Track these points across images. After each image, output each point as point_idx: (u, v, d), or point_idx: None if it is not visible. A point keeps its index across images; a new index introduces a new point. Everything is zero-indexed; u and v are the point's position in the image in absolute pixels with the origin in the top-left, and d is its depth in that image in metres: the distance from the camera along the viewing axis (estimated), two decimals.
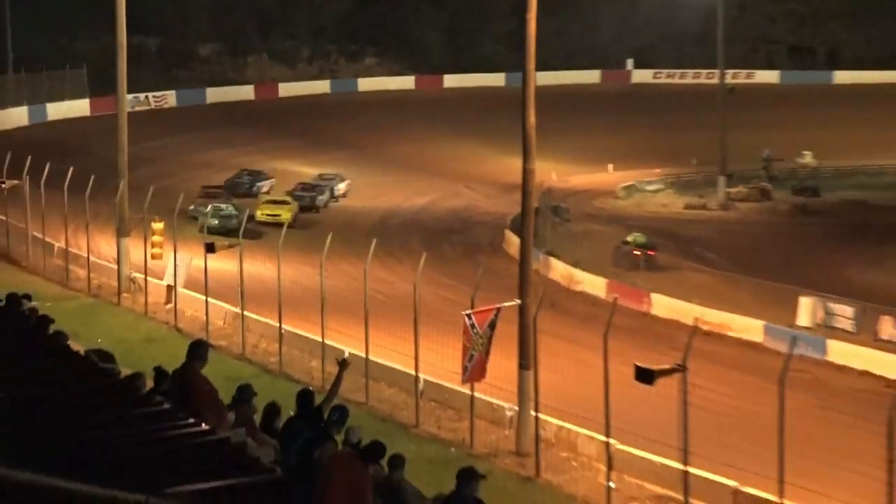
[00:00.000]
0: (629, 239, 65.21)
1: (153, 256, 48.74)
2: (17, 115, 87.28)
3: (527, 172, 35.86)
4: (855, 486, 27.22)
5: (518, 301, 34.85)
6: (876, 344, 47.79)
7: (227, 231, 53.94)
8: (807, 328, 50.11)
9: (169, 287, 45.95)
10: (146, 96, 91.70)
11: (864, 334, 49.36)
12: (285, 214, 61.02)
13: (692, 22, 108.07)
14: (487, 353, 33.33)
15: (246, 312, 42.27)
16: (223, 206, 61.37)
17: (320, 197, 72.78)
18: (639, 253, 63.45)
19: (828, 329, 50.48)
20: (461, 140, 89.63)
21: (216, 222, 55.87)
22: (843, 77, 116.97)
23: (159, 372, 18.50)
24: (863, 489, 26.62)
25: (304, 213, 68.52)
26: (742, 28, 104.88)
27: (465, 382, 33.96)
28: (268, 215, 62.71)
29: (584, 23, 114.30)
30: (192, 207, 55.28)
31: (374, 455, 17.23)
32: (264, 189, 74.12)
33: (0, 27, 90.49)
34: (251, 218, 56.19)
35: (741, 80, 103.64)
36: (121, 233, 48.55)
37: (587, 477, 31.63)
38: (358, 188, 78.95)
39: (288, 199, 68.30)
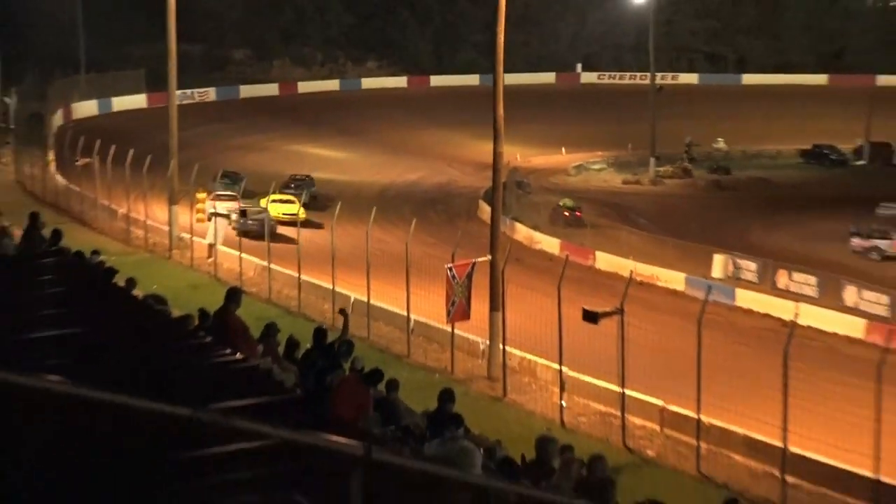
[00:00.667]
0: (561, 203, 66.91)
1: (198, 220, 48.85)
2: (88, 107, 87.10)
3: (496, 154, 35.99)
4: (757, 404, 27.30)
5: (489, 257, 35.02)
6: (774, 292, 48.04)
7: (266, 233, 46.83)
8: (719, 279, 50.26)
9: (210, 245, 46.01)
10: (191, 92, 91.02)
11: (765, 284, 49.58)
12: (301, 213, 51.40)
13: (629, 34, 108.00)
14: (469, 300, 33.62)
15: (272, 265, 42.34)
16: (254, 209, 52.83)
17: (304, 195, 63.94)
18: (567, 213, 65.27)
19: (736, 280, 50.68)
20: (444, 128, 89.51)
21: (255, 227, 49.05)
22: (749, 79, 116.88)
23: (203, 312, 18.48)
24: (763, 407, 26.71)
25: None
26: (669, 39, 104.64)
27: (449, 322, 34.20)
28: (284, 214, 53.80)
29: (543, 35, 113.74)
30: (212, 210, 49.65)
31: (374, 379, 17.25)
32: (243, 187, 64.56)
33: (74, 37, 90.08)
34: None
35: (668, 81, 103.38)
36: (171, 201, 48.53)
37: (544, 397, 31.73)
38: (361, 167, 78.81)
39: (293, 197, 57.19)
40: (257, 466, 6.78)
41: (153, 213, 49.65)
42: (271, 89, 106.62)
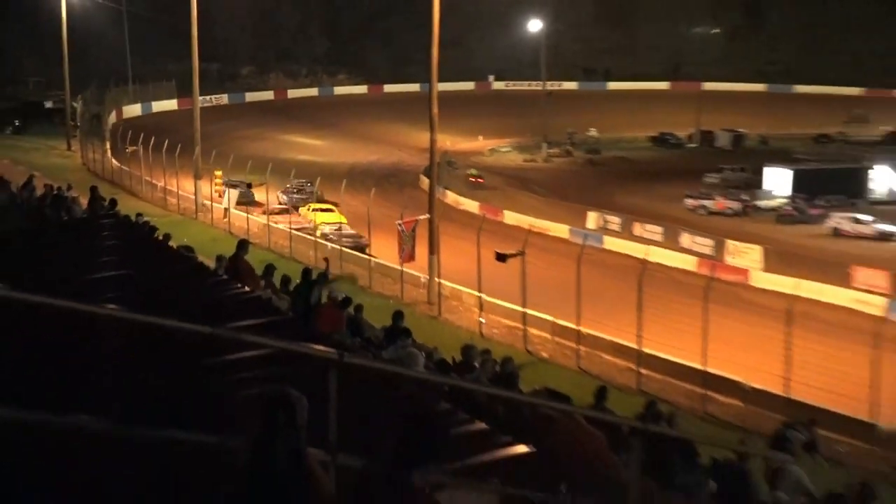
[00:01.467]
0: (468, 172, 69.10)
1: (216, 191, 48.47)
2: (134, 110, 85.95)
3: (432, 141, 36.04)
4: (620, 318, 27.61)
5: (428, 215, 35.01)
6: (632, 238, 48.38)
7: (360, 247, 39.61)
8: (593, 230, 50.51)
9: (225, 209, 45.80)
10: (210, 98, 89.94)
11: (625, 232, 49.94)
12: (344, 220, 44.11)
13: (528, 53, 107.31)
14: (414, 247, 33.83)
15: (270, 223, 42.16)
16: (335, 225, 42.37)
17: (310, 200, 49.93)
18: (473, 179, 66.94)
19: (605, 230, 50.98)
20: (394, 122, 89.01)
21: (348, 243, 39.70)
22: (613, 86, 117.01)
23: (220, 257, 18.37)
24: (623, 320, 27.04)
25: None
26: (556, 57, 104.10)
27: (400, 263, 34.41)
28: (326, 223, 43.48)
29: (465, 54, 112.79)
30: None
31: (346, 304, 17.26)
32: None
33: (123, 58, 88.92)
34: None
35: (555, 88, 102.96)
36: (196, 177, 48.15)
37: (468, 316, 31.89)
38: (334, 151, 78.48)
39: (332, 206, 46.94)
40: (260, 368, 6.78)
41: (183, 186, 49.18)
42: (268, 95, 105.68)
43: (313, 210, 46.36)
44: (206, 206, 47.41)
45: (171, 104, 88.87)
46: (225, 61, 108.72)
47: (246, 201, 46.79)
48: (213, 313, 9.18)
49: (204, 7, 50.75)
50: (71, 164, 60.30)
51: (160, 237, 18.59)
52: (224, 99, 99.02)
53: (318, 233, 41.00)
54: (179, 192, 48.76)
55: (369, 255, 37.52)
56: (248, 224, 42.79)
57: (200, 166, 48.45)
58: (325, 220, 44.37)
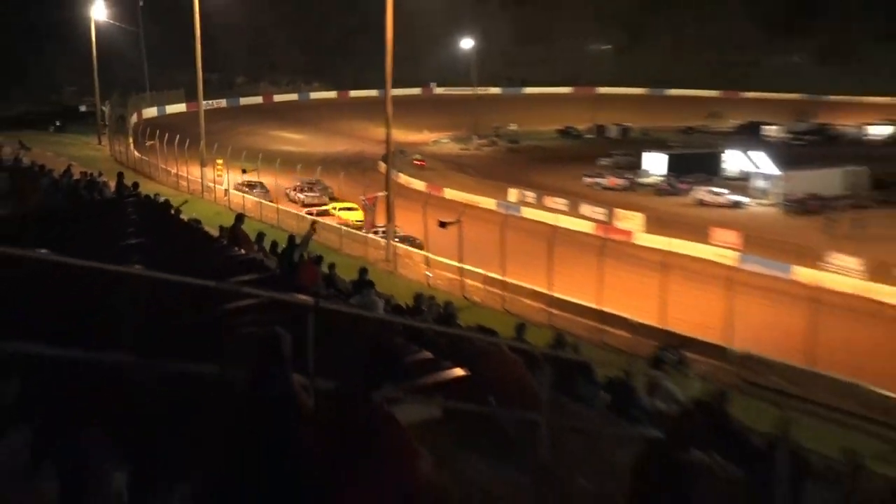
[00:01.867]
0: (413, 156, 69.60)
1: (218, 175, 47.85)
2: (151, 112, 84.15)
3: (388, 135, 35.77)
4: (535, 271, 27.80)
5: (386, 192, 34.89)
6: (544, 209, 48.65)
7: (418, 247, 33.44)
8: (514, 202, 50.72)
9: (225, 190, 45.23)
10: (212, 102, 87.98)
11: (540, 204, 50.16)
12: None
13: (462, 65, 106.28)
14: (375, 217, 33.64)
15: (262, 201, 41.75)
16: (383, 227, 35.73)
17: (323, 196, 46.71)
18: (416, 162, 67.20)
19: (523, 202, 51.17)
20: (358, 120, 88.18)
21: (409, 243, 34.08)
22: (528, 91, 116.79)
23: (222, 228, 18.17)
24: (539, 271, 27.22)
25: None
26: (484, 68, 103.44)
27: (364, 230, 34.19)
28: (355, 221, 39.50)
29: (413, 64, 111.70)
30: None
31: (320, 262, 17.17)
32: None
33: (142, 69, 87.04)
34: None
35: (484, 92, 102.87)
36: (202, 164, 47.42)
37: (418, 271, 31.90)
38: (311, 143, 77.98)
39: (354, 205, 42.04)
40: (255, 314, 6.76)
41: (191, 172, 48.43)
42: (258, 100, 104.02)
43: (339, 209, 41.82)
44: (209, 187, 46.83)
45: (180, 107, 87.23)
46: (224, 72, 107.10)
47: (266, 199, 43.45)
48: (216, 271, 9.10)
49: (206, 27, 49.84)
50: (101, 156, 59.19)
51: (175, 212, 18.35)
52: (223, 103, 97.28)
53: (371, 235, 35.69)
54: (189, 176, 48.08)
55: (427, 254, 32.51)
56: (244, 202, 42.34)
57: (205, 156, 47.84)
58: (358, 218, 39.79)
